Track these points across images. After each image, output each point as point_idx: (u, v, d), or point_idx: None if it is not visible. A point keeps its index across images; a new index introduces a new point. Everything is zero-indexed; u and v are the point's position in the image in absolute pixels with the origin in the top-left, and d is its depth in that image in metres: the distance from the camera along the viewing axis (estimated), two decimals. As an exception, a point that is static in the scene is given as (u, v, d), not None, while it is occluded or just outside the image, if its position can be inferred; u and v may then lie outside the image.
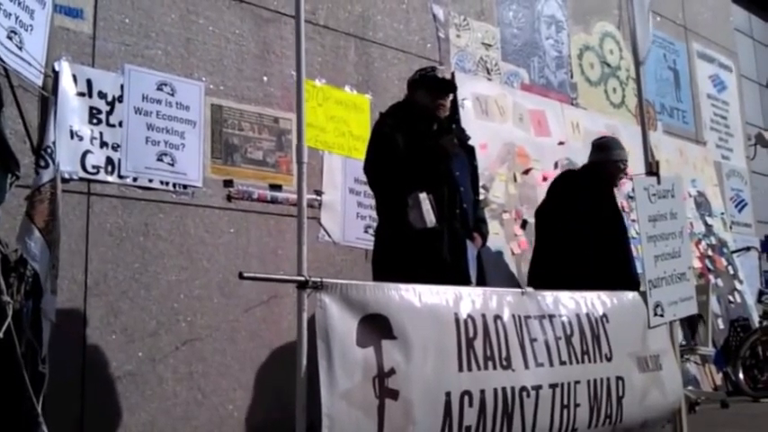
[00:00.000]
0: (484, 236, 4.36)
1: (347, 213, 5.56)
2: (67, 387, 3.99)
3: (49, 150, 3.44)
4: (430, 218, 3.76)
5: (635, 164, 7.32)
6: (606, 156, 5.55)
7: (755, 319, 8.44)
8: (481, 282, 4.16)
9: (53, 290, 3.50)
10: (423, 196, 3.79)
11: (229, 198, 4.94)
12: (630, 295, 4.05)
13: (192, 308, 4.65)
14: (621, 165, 5.56)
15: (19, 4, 3.09)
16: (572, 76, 7.79)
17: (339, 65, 5.76)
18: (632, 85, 8.45)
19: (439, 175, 3.95)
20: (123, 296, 4.37)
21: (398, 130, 3.98)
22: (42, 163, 3.45)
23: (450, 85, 4.35)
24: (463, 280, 3.71)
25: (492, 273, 5.75)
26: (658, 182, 4.14)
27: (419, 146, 3.91)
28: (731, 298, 8.61)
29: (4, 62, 2.98)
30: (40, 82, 3.39)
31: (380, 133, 4.11)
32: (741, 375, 7.48)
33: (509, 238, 6.38)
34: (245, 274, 2.83)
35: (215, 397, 4.65)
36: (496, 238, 6.20)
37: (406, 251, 3.77)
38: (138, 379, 4.36)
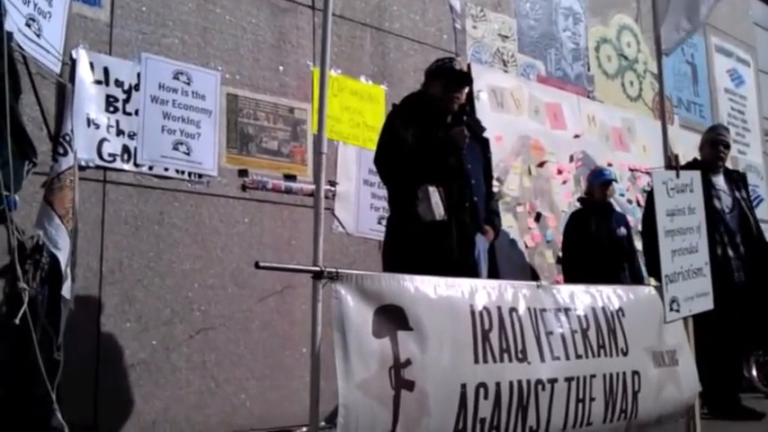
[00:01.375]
0: (496, 228, 4.33)
1: (361, 204, 5.55)
2: (82, 374, 4.01)
3: (67, 138, 3.46)
4: (439, 211, 3.75)
5: (652, 158, 7.29)
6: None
7: (770, 315, 8.36)
8: (494, 274, 4.13)
9: (72, 277, 3.52)
10: (432, 189, 3.78)
11: (244, 188, 4.94)
12: (646, 290, 4.02)
13: (206, 297, 4.66)
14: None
15: (37, -9, 3.10)
16: (589, 69, 7.74)
17: (355, 55, 5.74)
18: (649, 78, 8.38)
19: (449, 167, 3.93)
20: (138, 284, 4.39)
21: (409, 123, 3.96)
22: (61, 150, 3.47)
23: (465, 78, 4.33)
24: (470, 274, 3.69)
25: (505, 265, 5.75)
26: (677, 176, 4.09)
27: (429, 138, 3.89)
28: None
29: (22, 49, 2.98)
30: (57, 69, 3.40)
31: (390, 126, 4.09)
32: (754, 372, 7.42)
33: (523, 231, 6.36)
34: (262, 264, 2.82)
35: (228, 386, 4.66)
36: (510, 230, 6.18)
37: (414, 243, 3.77)
38: (151, 367, 4.38)
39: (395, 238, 4.05)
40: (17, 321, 2.95)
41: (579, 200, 6.41)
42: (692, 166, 5.29)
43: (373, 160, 4.21)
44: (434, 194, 3.77)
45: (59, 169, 3.46)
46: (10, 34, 2.80)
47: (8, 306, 3.67)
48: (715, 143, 5.65)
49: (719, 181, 5.61)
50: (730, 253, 5.38)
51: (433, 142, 3.91)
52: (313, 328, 2.83)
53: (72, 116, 3.57)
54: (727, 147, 5.74)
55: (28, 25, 2.98)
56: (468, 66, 6.27)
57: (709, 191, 5.10)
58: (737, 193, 5.61)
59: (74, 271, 3.56)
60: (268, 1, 5.28)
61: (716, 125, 6.43)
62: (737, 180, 5.75)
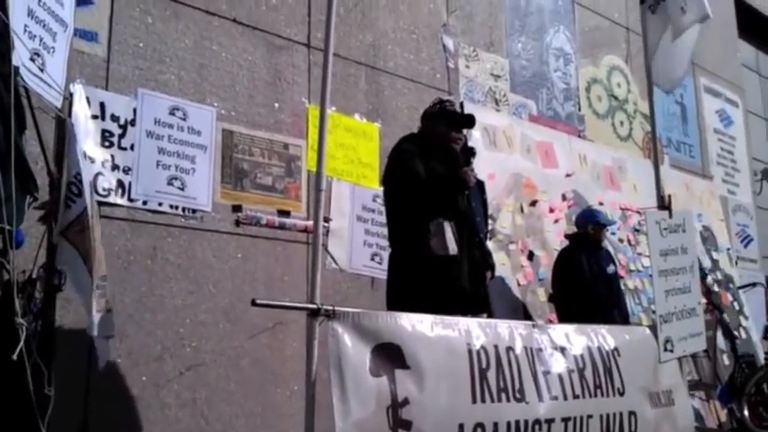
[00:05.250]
0: (493, 268, 4.35)
1: (354, 240, 5.55)
2: (71, 410, 3.94)
3: (78, 177, 3.46)
4: (452, 245, 3.75)
5: (643, 197, 7.35)
6: None
7: (761, 355, 8.37)
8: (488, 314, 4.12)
9: (108, 308, 3.54)
10: (446, 223, 3.78)
11: (238, 223, 4.93)
12: (641, 329, 4.04)
13: (198, 333, 4.62)
14: None
15: (44, 26, 3.11)
16: (580, 109, 7.82)
17: (349, 93, 5.78)
18: (639, 118, 8.48)
19: (458, 205, 3.94)
20: (129, 319, 4.35)
21: (420, 159, 3.98)
22: (75, 190, 3.47)
23: (469, 120, 4.34)
24: (483, 308, 3.69)
25: (497, 303, 5.74)
26: (670, 216, 4.12)
27: (439, 175, 3.90)
28: (736, 334, 8.54)
29: (26, 84, 2.99)
30: (59, 104, 3.40)
31: (402, 160, 4.08)
32: (746, 412, 7.39)
33: (515, 269, 6.35)
34: (258, 301, 2.80)
35: (218, 424, 4.60)
36: (503, 268, 6.17)
37: (425, 279, 3.75)
38: (141, 403, 4.32)
39: (403, 274, 4.00)
40: (15, 357, 2.90)
41: (567, 236, 6.44)
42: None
43: (383, 193, 4.20)
44: (448, 229, 3.78)
45: (77, 212, 3.46)
46: (16, 69, 2.81)
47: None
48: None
49: None
50: None
51: (444, 179, 3.92)
52: (308, 366, 2.81)
53: (79, 155, 3.57)
54: None
55: (32, 60, 2.99)
56: (462, 104, 6.33)
57: None
58: None
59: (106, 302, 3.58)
60: (264, 39, 5.32)
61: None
62: None
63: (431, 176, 3.88)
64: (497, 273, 5.40)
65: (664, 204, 4.25)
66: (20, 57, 2.87)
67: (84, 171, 3.42)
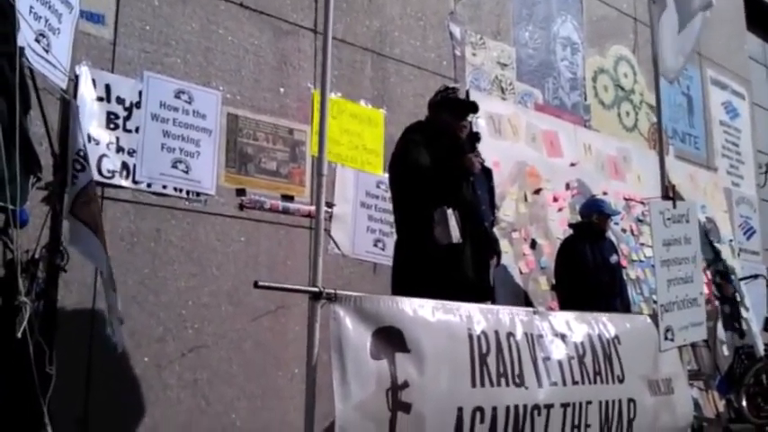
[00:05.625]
0: (498, 255, 4.35)
1: (357, 226, 5.56)
2: (73, 389, 3.97)
3: (81, 153, 3.48)
4: (456, 234, 3.76)
5: (647, 188, 7.34)
6: None
7: (761, 347, 8.38)
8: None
9: (113, 288, 3.57)
10: (449, 212, 3.79)
11: (241, 207, 4.94)
12: (641, 318, 4.05)
13: (200, 315, 4.65)
14: None
15: (49, 7, 3.11)
16: (586, 99, 7.80)
17: (355, 79, 5.78)
18: (645, 109, 8.45)
19: (462, 193, 3.94)
20: (132, 301, 4.37)
21: (425, 147, 3.98)
22: (78, 166, 3.50)
23: (472, 106, 4.35)
24: (487, 296, 3.70)
25: (499, 290, 5.75)
26: (674, 206, 4.13)
27: (444, 163, 3.90)
28: (737, 325, 8.55)
29: (31, 65, 3.00)
30: (64, 85, 3.41)
31: (407, 148, 4.09)
32: (744, 403, 7.41)
33: (518, 257, 6.36)
34: (260, 283, 2.82)
35: (219, 405, 4.63)
36: (505, 256, 6.17)
37: (429, 267, 3.75)
38: (143, 384, 4.35)
39: (407, 261, 4.01)
40: (18, 335, 2.93)
41: (570, 225, 6.44)
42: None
43: (389, 181, 4.21)
44: (451, 217, 3.78)
45: (81, 185, 3.49)
46: (21, 49, 2.81)
47: (1, 320, 3.66)
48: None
49: None
50: None
51: (448, 169, 3.92)
52: (309, 349, 2.83)
53: (82, 132, 3.59)
54: None
55: (37, 41, 3.00)
56: (467, 92, 6.31)
57: None
58: None
59: (113, 281, 3.58)
60: (270, 23, 5.31)
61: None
62: None
63: (436, 165, 3.88)
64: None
65: (668, 194, 4.25)
66: (25, 37, 2.88)
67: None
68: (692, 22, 4.46)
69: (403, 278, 3.96)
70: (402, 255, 4.05)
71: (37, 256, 3.59)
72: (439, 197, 3.87)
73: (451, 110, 4.18)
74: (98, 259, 3.51)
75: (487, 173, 4.43)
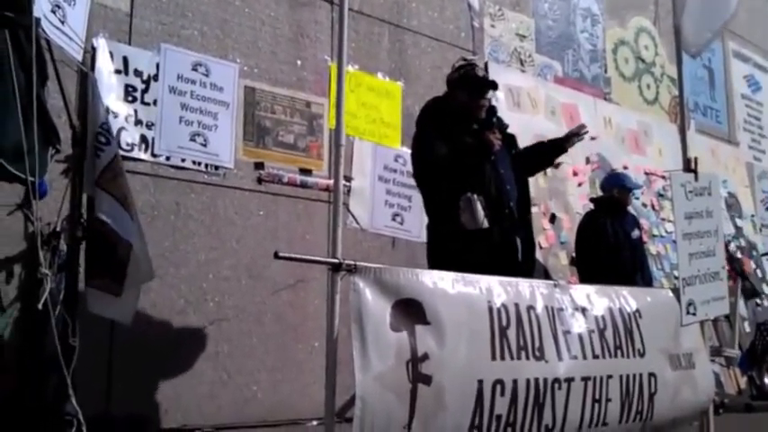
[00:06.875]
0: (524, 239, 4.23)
1: (376, 200, 5.54)
2: (96, 361, 4.01)
3: (105, 127, 3.49)
4: (481, 219, 3.74)
5: (668, 162, 7.25)
6: None
7: (782, 323, 8.31)
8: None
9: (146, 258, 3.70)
10: (474, 197, 3.75)
11: (260, 180, 4.94)
12: (663, 292, 4.01)
13: (220, 288, 4.67)
14: None
15: (64, -22, 3.10)
16: (606, 71, 7.71)
17: (372, 51, 5.73)
18: (666, 82, 8.34)
19: (485, 173, 3.87)
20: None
21: (441, 132, 3.89)
22: (103, 140, 3.50)
23: (490, 84, 4.22)
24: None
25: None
26: (696, 178, 4.06)
27: (462, 146, 3.83)
28: (758, 301, 8.48)
29: (47, 35, 2.99)
30: (80, 57, 3.40)
31: (424, 140, 4.00)
32: (766, 380, 7.37)
33: (537, 232, 6.31)
34: (280, 254, 2.81)
35: (239, 377, 4.66)
36: (525, 231, 6.14)
37: (458, 252, 3.71)
38: (165, 356, 4.38)
39: (438, 246, 3.99)
40: (40, 307, 2.95)
41: (592, 200, 6.38)
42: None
43: (414, 177, 4.14)
44: (476, 203, 3.76)
45: (107, 158, 3.50)
46: (38, 20, 2.80)
47: (23, 292, 3.69)
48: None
49: None
50: None
51: (466, 150, 3.85)
52: (329, 320, 2.82)
53: (103, 106, 3.58)
54: None
55: (53, 12, 2.98)
56: (486, 65, 6.24)
57: None
58: None
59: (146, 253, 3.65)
60: (287, -5, 5.27)
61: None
62: None
63: (454, 151, 3.80)
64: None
65: (690, 167, 4.19)
66: (41, 8, 2.87)
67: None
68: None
69: (436, 262, 3.90)
70: (433, 240, 4.03)
71: (58, 228, 3.62)
72: (462, 184, 3.82)
73: (469, 88, 4.05)
74: (128, 231, 3.52)
75: (510, 139, 4.27)
